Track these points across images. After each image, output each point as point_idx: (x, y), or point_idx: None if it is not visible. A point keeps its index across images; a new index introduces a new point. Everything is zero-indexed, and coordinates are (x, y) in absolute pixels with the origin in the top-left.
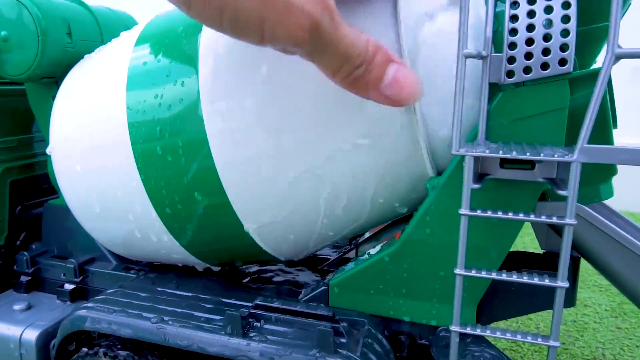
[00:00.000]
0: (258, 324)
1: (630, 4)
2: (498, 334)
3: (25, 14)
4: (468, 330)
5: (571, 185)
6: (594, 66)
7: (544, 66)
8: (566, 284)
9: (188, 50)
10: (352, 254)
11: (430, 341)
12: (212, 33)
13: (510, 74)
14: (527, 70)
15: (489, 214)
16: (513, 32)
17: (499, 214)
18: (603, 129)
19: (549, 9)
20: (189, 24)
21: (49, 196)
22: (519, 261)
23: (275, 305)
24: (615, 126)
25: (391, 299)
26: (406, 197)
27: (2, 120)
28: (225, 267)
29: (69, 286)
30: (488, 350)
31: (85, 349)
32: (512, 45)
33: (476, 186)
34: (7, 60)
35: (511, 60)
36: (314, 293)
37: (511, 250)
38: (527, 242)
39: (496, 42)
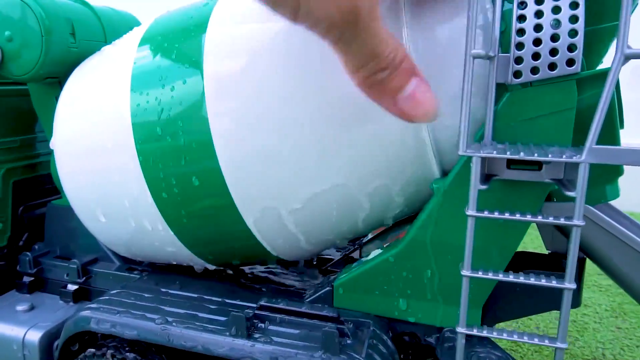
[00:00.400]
0: (263, 325)
1: (637, 4)
2: (504, 336)
3: (29, 13)
4: (474, 332)
5: (579, 186)
6: (601, 66)
7: (552, 66)
8: (574, 285)
9: (193, 50)
10: (356, 254)
11: (435, 342)
12: (217, 33)
13: (517, 74)
14: (534, 70)
15: (496, 215)
16: (520, 32)
17: (506, 215)
18: (610, 130)
19: (556, 9)
20: (193, 24)
21: (51, 196)
22: (522, 262)
23: (280, 306)
24: (622, 126)
25: (396, 300)
26: (411, 197)
27: (5, 120)
28: (221, 267)
29: (72, 287)
30: (494, 352)
31: (92, 350)
32: (520, 46)
33: (483, 187)
34: (10, 60)
35: (518, 60)
36: (318, 294)
37: (517, 250)
38: (527, 242)
39: (503, 42)
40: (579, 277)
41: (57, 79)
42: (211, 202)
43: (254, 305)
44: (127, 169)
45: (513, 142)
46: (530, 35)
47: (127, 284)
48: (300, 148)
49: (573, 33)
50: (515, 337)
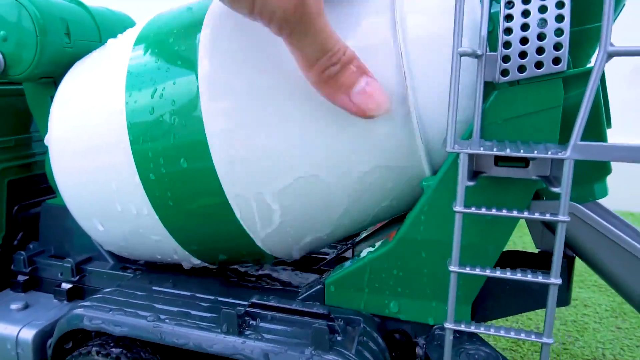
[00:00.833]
0: (254, 322)
1: (624, 5)
2: (492, 331)
3: (24, 13)
4: (462, 328)
5: (564, 182)
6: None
7: (538, 65)
8: (559, 281)
9: (187, 49)
10: (349, 254)
11: (425, 339)
12: (211, 32)
13: (504, 72)
14: (521, 69)
15: (483, 211)
16: (508, 31)
17: (493, 211)
18: (596, 128)
19: (543, 9)
20: (188, 24)
21: (46, 196)
22: (514, 260)
23: (271, 303)
24: (609, 126)
25: (386, 298)
26: (402, 196)
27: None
28: (210, 264)
29: (66, 285)
30: (482, 349)
31: (79, 349)
32: (507, 44)
33: (471, 183)
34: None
35: (506, 59)
36: (309, 292)
37: (509, 250)
38: (526, 242)
39: (491, 41)
40: (568, 276)
41: (52, 79)
42: (208, 202)
43: (246, 302)
44: (122, 168)
45: (501, 139)
46: (517, 34)
47: (121, 282)
48: (290, 141)
49: (559, 32)
50: (502, 333)
